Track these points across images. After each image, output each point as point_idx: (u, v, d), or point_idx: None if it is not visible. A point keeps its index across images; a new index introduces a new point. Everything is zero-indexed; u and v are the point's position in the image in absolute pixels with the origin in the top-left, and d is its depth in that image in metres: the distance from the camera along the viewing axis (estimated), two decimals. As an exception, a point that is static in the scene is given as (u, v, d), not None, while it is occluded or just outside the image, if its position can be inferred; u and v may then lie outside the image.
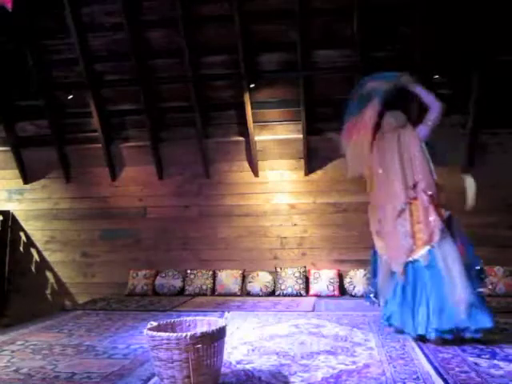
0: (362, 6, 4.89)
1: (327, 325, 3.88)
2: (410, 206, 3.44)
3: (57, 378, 2.68)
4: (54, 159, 6.18)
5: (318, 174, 5.85)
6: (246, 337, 3.53)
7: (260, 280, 5.61)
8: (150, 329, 2.51)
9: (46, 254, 6.27)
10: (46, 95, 5.82)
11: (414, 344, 3.20)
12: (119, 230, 6.13)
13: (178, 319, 2.81)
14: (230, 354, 3.03)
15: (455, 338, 3.15)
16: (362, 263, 5.28)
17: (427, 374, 2.58)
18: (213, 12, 5.18)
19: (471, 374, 2.58)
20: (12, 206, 6.36)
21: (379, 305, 3.68)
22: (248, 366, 2.80)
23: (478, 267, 3.28)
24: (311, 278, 5.52)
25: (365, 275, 5.24)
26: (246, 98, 5.50)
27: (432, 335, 3.14)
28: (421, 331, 3.19)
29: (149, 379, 2.60)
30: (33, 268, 6.27)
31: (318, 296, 5.33)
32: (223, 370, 2.63)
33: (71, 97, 5.72)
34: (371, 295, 3.73)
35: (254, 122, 5.68)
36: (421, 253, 3.33)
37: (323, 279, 5.45)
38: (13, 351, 3.25)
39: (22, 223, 6.33)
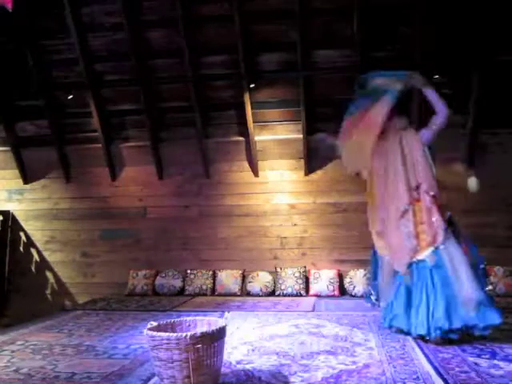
0: (362, 6, 4.89)
1: (327, 325, 3.88)
2: (413, 206, 3.45)
3: (57, 378, 2.68)
4: (54, 159, 6.18)
5: (317, 174, 5.84)
6: (246, 337, 3.52)
7: (260, 280, 5.61)
8: (150, 329, 2.51)
9: (45, 254, 6.27)
10: (45, 95, 5.82)
11: (414, 344, 3.20)
12: (119, 230, 6.13)
13: (178, 319, 2.81)
14: (230, 353, 3.03)
15: (461, 337, 3.15)
16: (362, 263, 5.28)
17: (427, 374, 2.57)
18: (213, 12, 5.18)
19: (471, 373, 2.58)
20: (12, 206, 6.36)
21: (379, 306, 3.68)
22: (248, 366, 2.80)
23: (483, 266, 3.30)
24: (311, 278, 5.52)
25: (365, 275, 5.24)
26: (246, 98, 5.50)
27: (434, 334, 3.13)
28: (421, 331, 3.18)
29: (149, 379, 2.60)
30: (33, 268, 6.27)
31: (318, 296, 5.33)
32: (223, 370, 2.63)
33: (71, 97, 5.72)
34: (372, 297, 3.73)
35: (254, 122, 5.68)
36: (425, 253, 3.33)
37: (323, 279, 5.45)
38: (13, 351, 3.25)
39: (22, 223, 6.33)
